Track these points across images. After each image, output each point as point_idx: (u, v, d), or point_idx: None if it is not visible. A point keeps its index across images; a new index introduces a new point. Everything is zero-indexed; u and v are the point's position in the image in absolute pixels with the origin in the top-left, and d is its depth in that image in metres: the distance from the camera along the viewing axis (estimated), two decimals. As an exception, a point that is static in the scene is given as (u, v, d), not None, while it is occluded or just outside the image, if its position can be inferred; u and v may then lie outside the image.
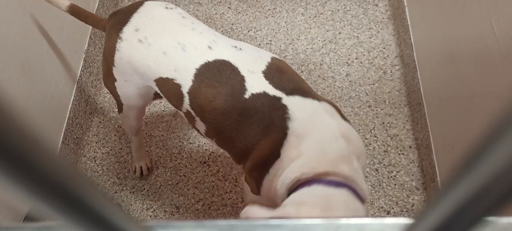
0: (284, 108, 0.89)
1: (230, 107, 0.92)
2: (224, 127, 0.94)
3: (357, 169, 0.85)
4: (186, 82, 0.95)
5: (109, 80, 1.10)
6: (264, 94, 0.91)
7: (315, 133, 0.87)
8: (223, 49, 0.97)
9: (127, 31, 1.01)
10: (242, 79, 0.93)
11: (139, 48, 0.99)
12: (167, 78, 0.97)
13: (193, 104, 0.96)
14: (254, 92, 0.91)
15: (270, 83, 0.92)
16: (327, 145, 0.85)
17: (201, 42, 0.97)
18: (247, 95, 0.91)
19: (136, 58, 1.00)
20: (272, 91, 0.91)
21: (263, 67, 0.95)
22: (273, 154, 0.88)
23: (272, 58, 0.98)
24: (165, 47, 0.97)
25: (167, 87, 0.99)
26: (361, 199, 0.83)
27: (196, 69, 0.95)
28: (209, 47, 0.96)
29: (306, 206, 0.77)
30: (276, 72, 0.95)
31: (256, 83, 0.92)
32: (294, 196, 0.81)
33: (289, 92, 0.92)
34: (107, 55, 1.06)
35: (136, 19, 1.02)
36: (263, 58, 0.97)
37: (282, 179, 0.85)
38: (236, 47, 0.98)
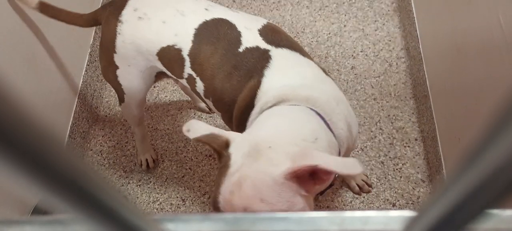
0: (268, 59, 0.92)
1: (225, 61, 0.95)
2: (218, 82, 0.96)
3: (330, 103, 0.85)
4: (186, 44, 0.99)
5: (110, 70, 1.11)
6: (256, 48, 0.94)
7: (285, 75, 0.89)
8: (220, 10, 1.01)
9: (126, 13, 1.04)
10: (238, 34, 0.96)
11: (140, 24, 1.02)
12: (168, 46, 1.00)
13: (194, 65, 0.99)
14: (248, 46, 0.95)
15: (263, 39, 0.96)
16: (293, 80, 0.87)
17: (199, 6, 1.02)
18: (241, 49, 0.95)
19: (138, 36, 1.02)
20: (264, 45, 0.94)
21: (259, 27, 0.98)
22: (249, 106, 0.91)
23: (269, 22, 1.02)
24: (165, 17, 1.01)
25: (169, 56, 1.01)
26: (329, 128, 0.82)
27: (195, 29, 0.98)
28: (206, 9, 1.01)
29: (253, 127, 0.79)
30: (271, 31, 0.98)
31: (251, 38, 0.96)
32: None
33: (278, 45, 0.95)
34: (107, 44, 1.07)
35: (134, 1, 1.05)
36: (260, 21, 1.01)
37: (251, 117, 0.88)
38: (232, 10, 1.03)
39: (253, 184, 0.67)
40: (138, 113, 1.29)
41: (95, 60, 1.69)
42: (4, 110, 0.12)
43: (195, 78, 1.01)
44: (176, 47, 0.99)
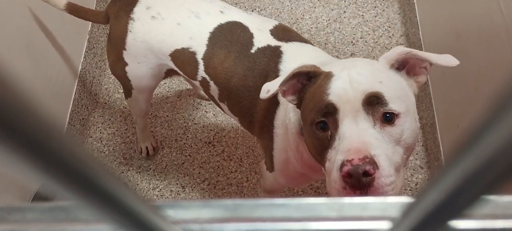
0: (280, 54, 0.92)
1: (238, 64, 0.94)
2: (233, 86, 0.95)
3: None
4: (200, 48, 0.98)
5: (119, 66, 1.10)
6: (268, 47, 0.94)
7: (300, 61, 0.87)
8: (234, 12, 1.00)
9: (138, 10, 1.02)
10: (251, 36, 0.96)
11: (153, 24, 1.00)
12: (182, 49, 0.99)
13: (208, 69, 0.98)
14: (259, 46, 0.94)
15: (274, 38, 0.95)
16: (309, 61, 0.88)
17: (213, 8, 1.00)
18: (253, 51, 0.94)
19: (150, 35, 1.01)
20: (275, 42, 0.94)
21: (271, 27, 0.98)
22: (273, 104, 0.89)
23: (280, 23, 1.02)
24: (179, 18, 0.99)
25: (182, 58, 1.00)
26: None
27: (210, 33, 0.97)
28: (221, 11, 1.00)
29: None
30: (282, 31, 0.98)
31: (263, 39, 0.95)
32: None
33: (289, 40, 0.95)
34: (117, 40, 1.06)
35: None
36: (272, 22, 1.01)
37: (278, 114, 0.87)
38: (246, 12, 1.02)
39: (366, 72, 0.67)
40: (145, 108, 1.28)
41: (94, 47, 1.68)
42: (4, 97, 0.12)
43: (209, 82, 0.99)
44: (190, 50, 0.98)
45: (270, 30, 0.97)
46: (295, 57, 0.90)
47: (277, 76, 0.88)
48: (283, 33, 0.97)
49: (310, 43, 0.98)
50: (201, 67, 0.98)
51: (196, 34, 0.98)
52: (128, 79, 1.12)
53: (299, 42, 0.95)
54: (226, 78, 0.96)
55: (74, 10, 1.23)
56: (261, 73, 0.92)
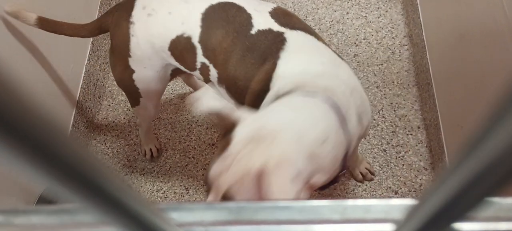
0: (283, 41, 0.90)
1: (237, 44, 0.93)
2: (231, 66, 0.94)
3: (345, 94, 0.81)
4: (195, 31, 0.97)
5: (126, 75, 1.08)
6: (270, 31, 0.92)
7: (303, 59, 0.86)
8: None
9: (136, 13, 1.02)
10: (249, 16, 0.95)
11: (150, 21, 1.00)
12: (177, 37, 0.98)
13: (207, 52, 0.97)
14: (260, 28, 0.93)
15: (276, 21, 0.94)
16: (311, 65, 0.85)
17: None
18: (253, 32, 0.93)
19: (150, 33, 1.01)
20: (277, 28, 0.93)
21: (269, 9, 0.97)
22: (263, 91, 0.88)
23: (278, 6, 1.00)
24: (170, 7, 0.99)
25: (180, 48, 1.00)
26: (343, 118, 0.78)
27: (201, 14, 0.97)
28: None
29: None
30: (282, 14, 0.97)
31: (263, 21, 0.94)
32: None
33: (293, 28, 0.93)
34: (121, 48, 1.05)
35: (141, 0, 1.03)
36: (269, 4, 0.99)
37: (265, 101, 0.85)
38: None
39: (238, 174, 0.67)
40: (154, 113, 1.27)
41: (98, 50, 1.69)
42: (8, 100, 0.12)
43: (208, 66, 0.99)
44: (185, 36, 0.98)
45: (270, 12, 0.95)
46: (297, 50, 0.89)
47: (275, 61, 0.88)
48: (284, 17, 0.95)
49: (314, 33, 0.96)
50: (200, 51, 0.98)
51: (187, 18, 0.97)
52: (136, 87, 1.11)
53: (303, 33, 0.93)
54: (224, 59, 0.95)
55: (46, 24, 1.15)
56: (261, 55, 0.90)
